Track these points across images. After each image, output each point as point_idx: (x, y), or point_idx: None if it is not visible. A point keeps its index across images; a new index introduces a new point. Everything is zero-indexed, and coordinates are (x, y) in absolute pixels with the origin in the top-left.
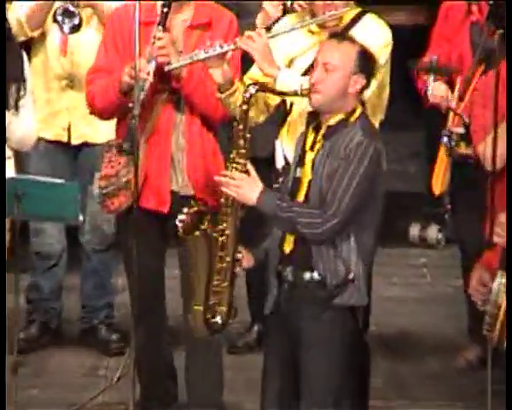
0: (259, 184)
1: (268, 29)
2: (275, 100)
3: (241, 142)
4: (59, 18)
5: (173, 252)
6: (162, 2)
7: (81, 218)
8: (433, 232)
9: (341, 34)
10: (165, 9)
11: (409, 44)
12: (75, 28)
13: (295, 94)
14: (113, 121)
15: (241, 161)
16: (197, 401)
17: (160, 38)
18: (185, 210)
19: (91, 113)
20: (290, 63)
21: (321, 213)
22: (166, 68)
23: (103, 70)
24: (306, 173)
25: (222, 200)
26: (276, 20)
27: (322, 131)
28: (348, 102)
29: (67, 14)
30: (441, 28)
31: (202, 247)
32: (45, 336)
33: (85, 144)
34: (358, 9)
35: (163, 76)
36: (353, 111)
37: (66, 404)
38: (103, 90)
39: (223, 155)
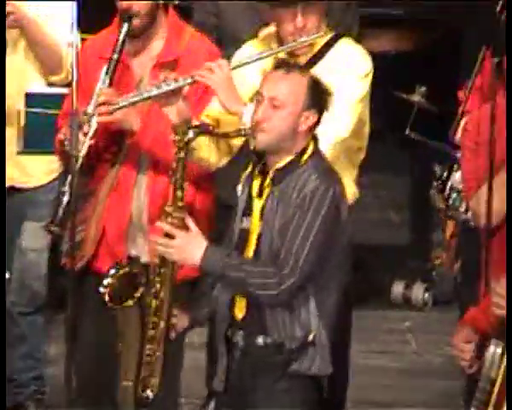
0: (202, 240)
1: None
2: (239, 140)
3: (179, 193)
4: None
5: None
6: (121, 36)
7: (7, 275)
8: (419, 291)
9: (288, 63)
10: (115, 56)
11: (394, 73)
12: None
13: (239, 134)
14: (46, 160)
15: (180, 215)
16: None
17: (102, 94)
18: (112, 271)
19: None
20: (251, 100)
21: (275, 272)
22: (111, 109)
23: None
24: (255, 225)
25: (155, 259)
26: None
27: (270, 176)
28: (298, 141)
29: None
30: None
31: (134, 316)
32: None
33: (13, 189)
34: (331, 33)
35: (114, 134)
36: (304, 150)
37: None
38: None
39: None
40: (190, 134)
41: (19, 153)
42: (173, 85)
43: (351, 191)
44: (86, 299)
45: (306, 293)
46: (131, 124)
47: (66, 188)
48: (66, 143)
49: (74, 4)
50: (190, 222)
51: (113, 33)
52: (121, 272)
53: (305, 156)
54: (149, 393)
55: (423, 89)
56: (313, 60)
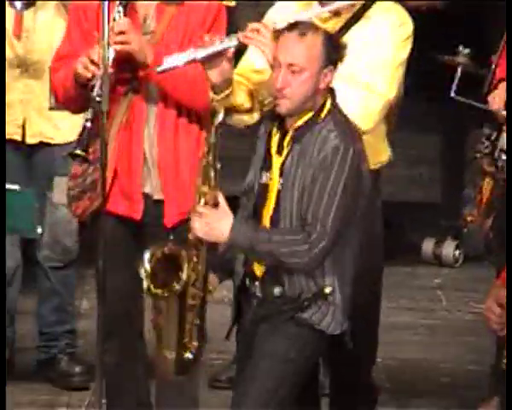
0: (230, 216)
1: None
2: (268, 98)
3: (212, 174)
4: None
5: None
6: None
7: (39, 230)
8: (450, 248)
9: (301, 25)
10: None
11: (425, 32)
12: (28, 4)
13: (262, 105)
14: (76, 115)
15: (213, 193)
16: None
17: (118, 24)
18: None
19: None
20: None
21: (305, 237)
22: (158, 70)
23: (68, 57)
24: (274, 181)
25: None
26: None
27: (290, 134)
28: (318, 99)
29: None
30: None
31: (174, 299)
32: None
33: (42, 144)
34: None
35: (126, 64)
36: (323, 105)
37: None
38: (63, 82)
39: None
40: (220, 117)
41: (51, 108)
42: (220, 47)
43: (386, 155)
44: (105, 243)
45: None
46: (145, 56)
47: (90, 115)
48: (91, 67)
49: None
50: (220, 197)
51: None
52: (159, 255)
53: (324, 112)
54: (189, 355)
55: (467, 50)
56: (352, 20)
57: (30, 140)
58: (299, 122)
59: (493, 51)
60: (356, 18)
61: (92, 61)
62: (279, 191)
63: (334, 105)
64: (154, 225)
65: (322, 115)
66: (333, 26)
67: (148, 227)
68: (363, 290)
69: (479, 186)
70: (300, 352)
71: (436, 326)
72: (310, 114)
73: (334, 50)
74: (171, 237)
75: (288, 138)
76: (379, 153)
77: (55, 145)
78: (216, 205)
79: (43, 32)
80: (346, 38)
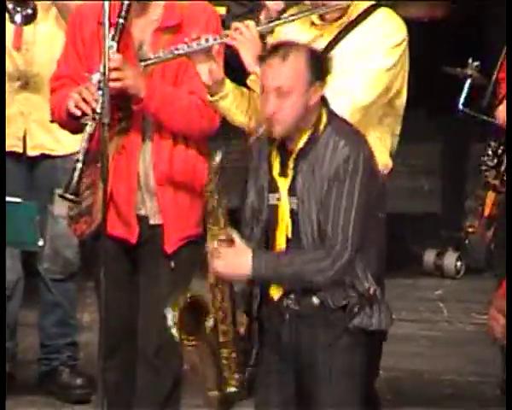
0: (247, 249)
1: (270, 22)
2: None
3: (220, 212)
4: (9, 6)
5: None
6: (126, 2)
7: (41, 242)
8: (452, 260)
9: (282, 47)
10: (121, 21)
11: (426, 42)
12: (28, 19)
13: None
14: None
15: (225, 233)
16: None
17: (112, 60)
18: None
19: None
20: None
21: (327, 251)
22: (143, 64)
23: (65, 77)
24: (284, 201)
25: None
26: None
27: (294, 156)
28: (312, 114)
29: (19, 2)
30: None
31: (206, 341)
32: None
33: (43, 156)
34: (370, 2)
35: (121, 95)
36: (319, 118)
37: None
38: (58, 106)
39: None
40: (217, 158)
41: (52, 121)
42: (203, 45)
43: (384, 162)
44: (102, 264)
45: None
46: (138, 90)
47: (80, 156)
48: (82, 106)
49: None
50: (234, 234)
51: None
52: (183, 304)
53: (322, 124)
54: (233, 389)
55: (476, 63)
56: (349, 27)
57: (31, 152)
58: (301, 144)
59: (494, 61)
60: (352, 26)
61: (84, 100)
62: (292, 211)
63: (330, 112)
64: (151, 248)
65: (321, 127)
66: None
67: (144, 250)
68: None
69: (480, 197)
70: (362, 361)
71: (438, 338)
72: (308, 132)
73: (319, 66)
74: (173, 265)
75: (291, 160)
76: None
77: (56, 157)
78: (231, 242)
79: (43, 45)
80: (339, 47)
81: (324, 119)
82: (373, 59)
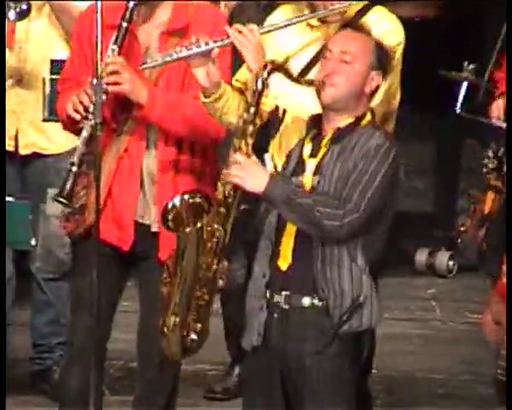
0: (266, 170)
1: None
2: (269, 106)
3: (250, 128)
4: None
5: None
6: (131, 3)
7: (33, 241)
8: (444, 259)
9: (356, 24)
10: (125, 24)
11: (418, 41)
12: (22, 15)
13: (311, 83)
14: None
15: (247, 149)
16: None
17: (111, 63)
18: (185, 196)
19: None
20: (285, 62)
21: (341, 204)
22: (142, 67)
23: (71, 80)
24: (307, 179)
25: (218, 196)
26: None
27: (329, 136)
28: (361, 104)
29: None
30: None
31: (190, 248)
32: None
33: (35, 155)
34: (364, 2)
35: (122, 99)
36: (363, 116)
37: None
38: (62, 108)
39: None
40: (265, 74)
41: (44, 120)
42: (204, 47)
43: None
44: (90, 265)
45: (355, 247)
46: (138, 97)
47: (75, 159)
48: (80, 109)
49: None
50: (253, 156)
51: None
52: (191, 200)
53: (364, 121)
54: (194, 336)
55: (472, 66)
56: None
57: (23, 151)
58: (341, 124)
59: (487, 60)
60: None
61: (81, 103)
62: (312, 188)
63: (374, 121)
64: (152, 256)
65: (363, 123)
66: (319, 34)
67: (145, 257)
68: None
69: (472, 197)
70: (351, 366)
71: (430, 336)
72: (350, 119)
73: (383, 57)
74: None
75: (326, 139)
76: None
77: (48, 156)
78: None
79: (36, 43)
80: None
81: (368, 117)
82: None
